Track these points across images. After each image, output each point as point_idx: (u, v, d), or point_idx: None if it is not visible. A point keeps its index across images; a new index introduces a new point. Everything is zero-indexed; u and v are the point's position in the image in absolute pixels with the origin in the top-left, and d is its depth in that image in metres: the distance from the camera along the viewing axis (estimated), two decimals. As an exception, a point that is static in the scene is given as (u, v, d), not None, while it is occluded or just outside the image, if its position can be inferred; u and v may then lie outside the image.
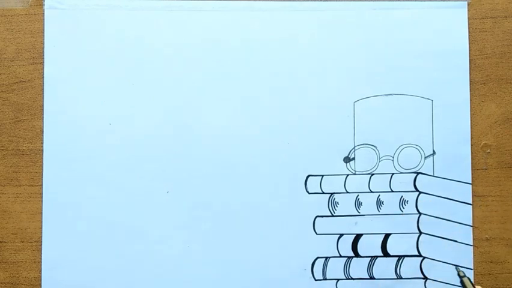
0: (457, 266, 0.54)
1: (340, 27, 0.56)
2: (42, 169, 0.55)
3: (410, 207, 0.55)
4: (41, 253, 0.55)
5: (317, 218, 0.55)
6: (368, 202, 0.55)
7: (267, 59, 0.56)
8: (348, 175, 0.55)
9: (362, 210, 0.55)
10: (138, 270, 0.55)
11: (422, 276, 0.55)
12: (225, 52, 0.56)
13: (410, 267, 0.55)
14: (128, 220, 0.55)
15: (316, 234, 0.55)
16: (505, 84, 0.56)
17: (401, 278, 0.55)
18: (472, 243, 0.55)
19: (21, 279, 0.55)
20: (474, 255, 0.55)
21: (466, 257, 0.55)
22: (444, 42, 0.56)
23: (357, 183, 0.55)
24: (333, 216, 0.55)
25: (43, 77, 0.55)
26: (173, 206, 0.55)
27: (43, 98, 0.55)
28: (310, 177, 0.55)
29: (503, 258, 0.55)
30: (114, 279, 0.55)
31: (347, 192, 0.55)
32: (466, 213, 0.55)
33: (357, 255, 0.55)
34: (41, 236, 0.55)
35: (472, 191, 0.55)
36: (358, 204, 0.55)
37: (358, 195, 0.55)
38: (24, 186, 0.55)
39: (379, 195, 0.55)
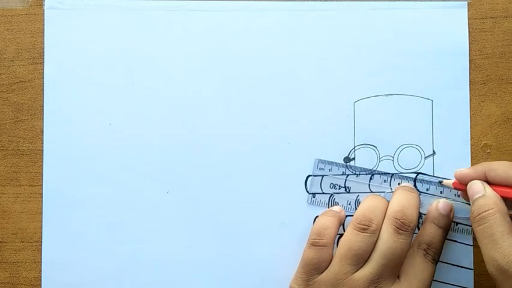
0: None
1: (340, 27, 0.56)
2: (42, 169, 0.55)
3: (410, 207, 0.55)
4: (41, 253, 0.55)
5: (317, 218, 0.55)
6: (368, 202, 0.55)
7: (267, 59, 0.56)
8: (348, 175, 0.55)
9: (362, 210, 0.55)
10: (138, 270, 0.55)
11: (422, 276, 0.55)
12: (225, 52, 0.56)
13: (410, 267, 0.55)
14: (128, 220, 0.55)
15: (316, 234, 0.55)
16: (505, 84, 0.56)
17: (401, 278, 0.55)
18: (472, 244, 0.55)
19: (21, 279, 0.55)
20: (474, 255, 0.55)
21: (466, 257, 0.55)
22: (445, 42, 0.56)
23: (357, 183, 0.55)
24: (333, 216, 0.55)
25: (43, 77, 0.56)
26: (173, 206, 0.55)
27: (43, 98, 0.55)
28: (310, 177, 0.55)
29: (503, 258, 0.55)
30: (114, 279, 0.55)
31: (347, 192, 0.55)
32: (466, 214, 0.54)
33: (357, 255, 0.55)
34: (41, 236, 0.55)
35: (472, 191, 0.55)
36: (358, 204, 0.55)
37: (358, 195, 0.55)
38: (24, 186, 0.55)
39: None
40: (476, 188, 0.50)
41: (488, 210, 0.48)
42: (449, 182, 0.53)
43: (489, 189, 0.50)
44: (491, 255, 0.47)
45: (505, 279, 0.47)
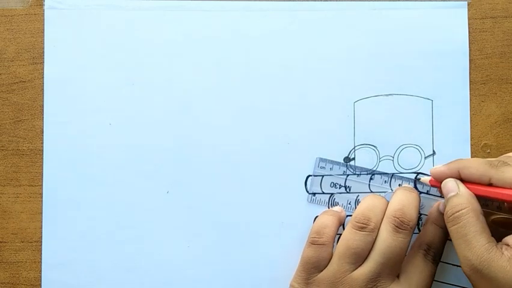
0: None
1: (340, 27, 0.56)
2: (42, 169, 0.55)
3: (410, 207, 0.55)
4: (41, 253, 0.55)
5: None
6: (368, 202, 0.55)
7: (267, 59, 0.56)
8: (348, 175, 0.55)
9: (362, 210, 0.55)
10: (138, 270, 0.55)
11: (422, 276, 0.55)
12: (225, 52, 0.56)
13: (410, 267, 0.55)
14: (128, 220, 0.55)
15: (317, 234, 0.55)
16: (505, 84, 0.56)
17: (401, 278, 0.55)
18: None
19: (21, 279, 0.55)
20: (474, 255, 0.55)
21: (466, 257, 0.55)
22: (445, 42, 0.56)
23: (357, 183, 0.55)
24: (333, 216, 0.55)
25: (43, 77, 0.56)
26: (173, 206, 0.55)
27: (43, 98, 0.55)
28: (310, 177, 0.55)
29: (503, 258, 0.55)
30: (114, 279, 0.55)
31: (347, 192, 0.55)
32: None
33: (357, 255, 0.55)
34: (41, 236, 0.55)
35: (472, 191, 0.55)
36: (358, 204, 0.55)
37: (358, 195, 0.55)
38: (24, 186, 0.55)
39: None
40: (450, 186, 0.50)
41: (461, 209, 0.48)
42: (427, 179, 0.53)
43: (463, 188, 0.49)
44: (464, 255, 0.47)
45: (478, 279, 0.47)
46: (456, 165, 0.51)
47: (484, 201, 0.50)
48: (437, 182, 0.51)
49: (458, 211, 0.48)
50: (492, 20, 0.56)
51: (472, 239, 0.47)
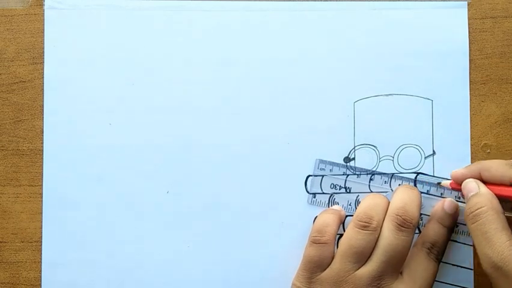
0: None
1: (340, 27, 0.56)
2: (42, 169, 0.55)
3: (410, 207, 0.55)
4: (41, 253, 0.55)
5: (317, 218, 0.55)
6: (368, 202, 0.55)
7: (267, 59, 0.56)
8: (348, 175, 0.55)
9: (362, 210, 0.55)
10: (138, 270, 0.55)
11: (422, 276, 0.55)
12: (225, 52, 0.56)
13: (410, 267, 0.55)
14: (128, 220, 0.55)
15: (316, 234, 0.55)
16: (505, 84, 0.56)
17: (401, 278, 0.55)
18: (472, 244, 0.55)
19: (21, 279, 0.55)
20: (474, 256, 0.55)
21: (466, 258, 0.55)
22: (445, 42, 0.56)
23: (357, 183, 0.55)
24: (333, 216, 0.55)
25: (43, 77, 0.56)
26: (173, 206, 0.55)
27: (43, 98, 0.55)
28: (310, 177, 0.55)
29: (503, 258, 0.55)
30: (114, 279, 0.55)
31: (347, 192, 0.55)
32: (466, 214, 0.55)
33: (357, 255, 0.55)
34: (41, 236, 0.55)
35: (472, 191, 0.55)
36: (358, 204, 0.55)
37: (358, 195, 0.55)
38: (24, 186, 0.55)
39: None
40: (470, 186, 0.51)
41: (481, 207, 0.49)
42: (447, 183, 0.53)
43: (483, 187, 0.50)
44: (485, 253, 0.47)
45: (499, 276, 0.47)
46: (477, 167, 0.51)
47: None
48: (458, 184, 0.52)
49: (478, 209, 0.49)
50: (492, 20, 0.56)
51: (493, 237, 0.47)
